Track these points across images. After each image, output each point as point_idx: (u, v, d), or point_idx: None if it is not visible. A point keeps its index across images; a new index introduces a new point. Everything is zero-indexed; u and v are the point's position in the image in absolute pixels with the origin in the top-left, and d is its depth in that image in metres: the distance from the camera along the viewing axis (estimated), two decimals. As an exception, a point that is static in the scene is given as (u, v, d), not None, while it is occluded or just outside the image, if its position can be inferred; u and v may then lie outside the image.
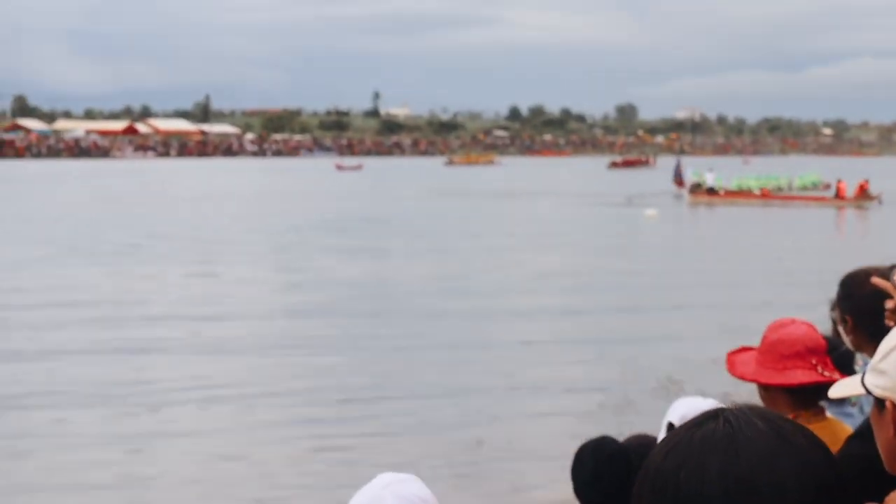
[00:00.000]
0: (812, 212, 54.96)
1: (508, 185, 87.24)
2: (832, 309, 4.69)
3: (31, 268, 30.65)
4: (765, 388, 3.82)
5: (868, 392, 2.03)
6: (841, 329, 4.34)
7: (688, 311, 23.28)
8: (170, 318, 22.17)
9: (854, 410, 4.37)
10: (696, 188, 63.08)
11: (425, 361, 18.37)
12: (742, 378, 3.82)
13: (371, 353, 19.06)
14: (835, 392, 2.42)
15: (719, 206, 58.93)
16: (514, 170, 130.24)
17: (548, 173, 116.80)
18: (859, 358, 4.18)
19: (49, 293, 25.46)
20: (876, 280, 3.38)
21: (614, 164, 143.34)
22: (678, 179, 65.65)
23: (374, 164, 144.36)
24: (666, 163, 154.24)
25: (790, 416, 2.74)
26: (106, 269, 30.43)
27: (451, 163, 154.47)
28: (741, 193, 64.04)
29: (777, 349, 3.75)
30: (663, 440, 1.43)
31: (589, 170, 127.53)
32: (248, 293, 26.30)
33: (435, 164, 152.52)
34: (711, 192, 62.55)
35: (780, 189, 70.03)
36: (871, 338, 3.75)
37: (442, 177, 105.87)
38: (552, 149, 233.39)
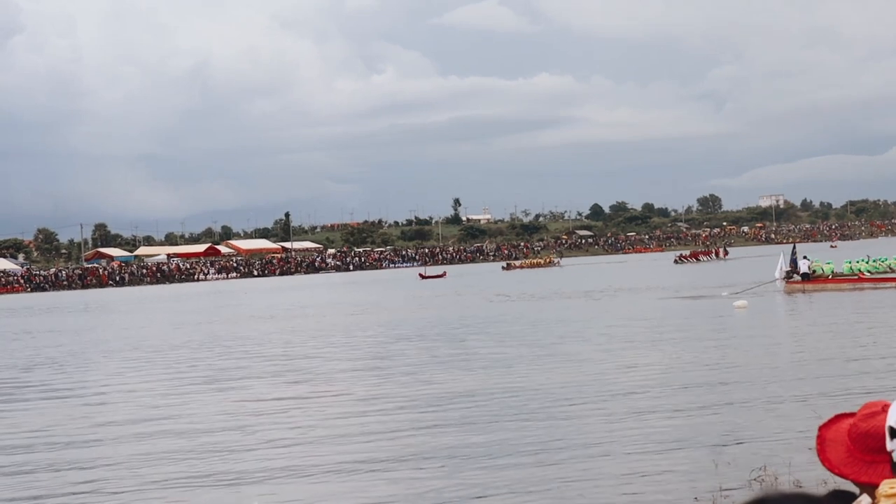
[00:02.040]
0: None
1: (588, 283, 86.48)
2: None
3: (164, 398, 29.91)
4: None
5: None
6: None
7: (781, 402, 22.02)
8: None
9: None
10: (790, 276, 61.17)
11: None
12: (830, 470, 3.51)
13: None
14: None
15: (814, 293, 56.82)
16: (581, 269, 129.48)
17: (628, 271, 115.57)
18: None
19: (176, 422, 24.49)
20: None
21: (682, 258, 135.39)
22: (793, 267, 63.48)
23: (457, 271, 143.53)
24: (741, 252, 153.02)
25: None
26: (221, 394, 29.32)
27: (509, 267, 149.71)
28: (832, 279, 61.90)
29: (867, 442, 3.46)
30: None
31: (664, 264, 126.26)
32: (378, 409, 24.89)
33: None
34: (805, 278, 60.52)
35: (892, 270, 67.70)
36: None
37: (522, 280, 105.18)
38: (637, 245, 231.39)
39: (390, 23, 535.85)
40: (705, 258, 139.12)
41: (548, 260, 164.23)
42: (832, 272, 63.29)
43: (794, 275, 61.40)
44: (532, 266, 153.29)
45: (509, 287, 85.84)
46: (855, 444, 3.48)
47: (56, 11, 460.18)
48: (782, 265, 62.13)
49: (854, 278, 61.60)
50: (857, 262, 69.11)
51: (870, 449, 3.43)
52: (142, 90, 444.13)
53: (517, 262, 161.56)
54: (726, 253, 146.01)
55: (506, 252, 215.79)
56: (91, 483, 17.62)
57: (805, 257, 63.88)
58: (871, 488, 3.40)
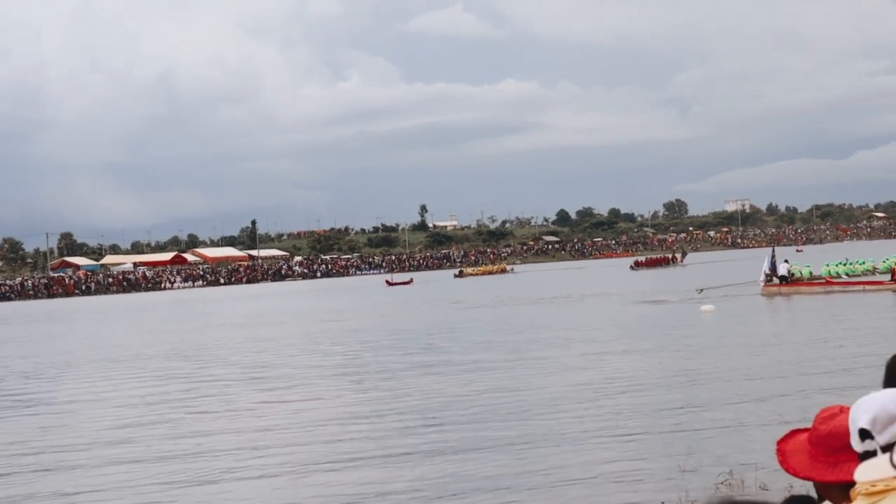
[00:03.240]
0: (875, 297, 52.99)
1: (550, 290, 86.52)
2: None
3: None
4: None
5: None
6: None
7: (747, 404, 22.16)
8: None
9: None
10: (769, 279, 61.39)
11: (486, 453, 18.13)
12: (795, 475, 3.62)
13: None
14: (861, 475, 2.56)
15: (791, 296, 57.14)
16: (536, 275, 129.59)
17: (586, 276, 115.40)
18: None
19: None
20: None
21: (637, 265, 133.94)
22: (772, 271, 63.62)
23: (424, 277, 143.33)
24: (703, 257, 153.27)
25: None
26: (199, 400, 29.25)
27: (461, 275, 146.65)
28: (808, 282, 62.10)
29: (828, 443, 3.57)
30: None
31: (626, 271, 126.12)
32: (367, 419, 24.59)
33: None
34: (783, 281, 60.77)
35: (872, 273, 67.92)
36: None
37: (485, 286, 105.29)
38: (605, 251, 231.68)
39: (356, 30, 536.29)
40: (662, 264, 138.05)
41: (501, 267, 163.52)
42: (810, 275, 63.57)
43: (774, 278, 61.59)
44: (485, 273, 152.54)
45: (473, 294, 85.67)
46: (817, 449, 3.56)
47: (20, 19, 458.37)
48: (768, 267, 62.25)
49: (833, 281, 61.93)
50: (836, 265, 69.56)
51: (832, 450, 3.50)
52: (107, 98, 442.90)
53: (470, 270, 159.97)
54: (683, 258, 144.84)
55: (472, 258, 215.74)
56: (64, 492, 17.48)
57: (786, 261, 64.04)
58: (836, 489, 3.48)
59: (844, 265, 70.55)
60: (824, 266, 68.75)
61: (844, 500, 3.46)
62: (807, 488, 4.44)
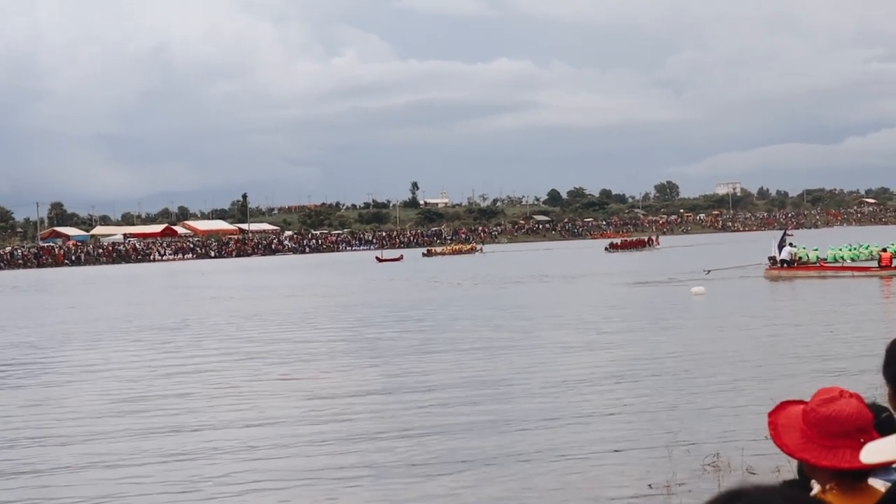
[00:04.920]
0: (864, 281, 53.10)
1: (546, 268, 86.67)
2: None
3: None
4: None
5: None
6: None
7: (735, 387, 22.10)
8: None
9: None
10: (774, 262, 61.22)
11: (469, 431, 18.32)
12: (788, 452, 3.66)
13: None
14: (868, 457, 2.57)
15: (792, 280, 57.02)
16: (506, 255, 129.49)
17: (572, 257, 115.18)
18: None
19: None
20: None
21: (613, 247, 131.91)
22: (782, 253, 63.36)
23: (414, 255, 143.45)
24: (688, 240, 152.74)
25: (828, 485, 3.52)
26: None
27: (429, 254, 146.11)
28: (809, 266, 61.87)
29: (826, 426, 3.59)
30: None
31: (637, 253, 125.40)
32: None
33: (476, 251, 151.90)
34: (785, 264, 60.55)
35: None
36: None
37: (472, 264, 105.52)
38: (594, 231, 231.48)
39: (350, 6, 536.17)
40: (637, 247, 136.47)
41: (471, 247, 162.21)
42: (817, 259, 63.43)
43: (782, 261, 61.33)
44: (454, 253, 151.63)
45: (458, 274, 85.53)
46: (812, 429, 3.57)
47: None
48: (777, 249, 62.04)
49: (827, 266, 61.64)
50: (840, 249, 69.51)
51: (830, 434, 3.52)
52: (101, 70, 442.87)
53: (439, 249, 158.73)
54: (658, 242, 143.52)
55: (463, 236, 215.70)
56: (60, 468, 17.36)
57: (791, 244, 63.70)
58: (824, 472, 3.53)
59: (850, 249, 70.53)
60: (829, 249, 68.77)
61: (830, 480, 3.54)
62: (793, 473, 4.33)
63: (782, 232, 68.05)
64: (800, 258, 62.41)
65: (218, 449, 17.82)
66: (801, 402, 3.76)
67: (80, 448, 18.43)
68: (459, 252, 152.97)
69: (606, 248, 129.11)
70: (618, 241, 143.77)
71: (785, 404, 3.74)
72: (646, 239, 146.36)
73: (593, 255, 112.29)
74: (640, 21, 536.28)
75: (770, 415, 3.70)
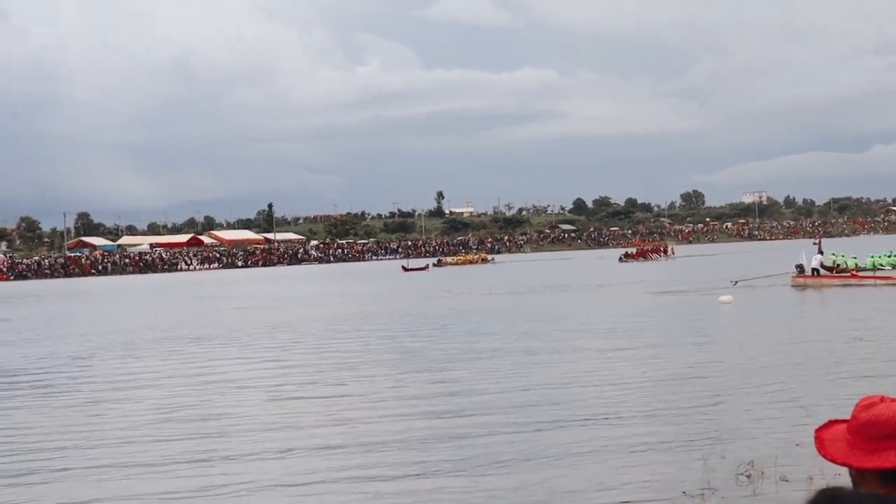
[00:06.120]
0: (893, 290, 52.76)
1: (570, 278, 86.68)
2: None
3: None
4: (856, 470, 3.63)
5: None
6: None
7: (768, 394, 22.08)
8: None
9: None
10: (803, 270, 60.98)
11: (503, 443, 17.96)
12: (833, 461, 3.63)
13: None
14: None
15: (816, 289, 56.72)
16: (521, 266, 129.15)
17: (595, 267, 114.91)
18: None
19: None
20: None
21: (627, 256, 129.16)
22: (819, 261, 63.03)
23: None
24: (684, 250, 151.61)
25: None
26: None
27: (440, 264, 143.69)
28: (836, 275, 61.37)
29: (868, 431, 3.58)
30: None
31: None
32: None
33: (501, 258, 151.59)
34: (815, 272, 60.24)
35: None
36: None
37: (487, 275, 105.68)
38: (620, 240, 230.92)
39: (374, 14, 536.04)
40: (653, 256, 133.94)
41: (481, 257, 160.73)
42: (856, 266, 63.02)
43: (819, 269, 61.04)
44: (464, 263, 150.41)
45: (484, 283, 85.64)
46: (855, 437, 3.57)
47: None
48: (805, 257, 61.75)
49: (857, 275, 61.12)
50: (879, 256, 69.01)
51: (871, 437, 3.52)
52: (125, 78, 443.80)
53: (449, 259, 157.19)
54: (673, 252, 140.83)
55: (489, 245, 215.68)
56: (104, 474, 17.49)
57: (820, 252, 63.21)
58: (872, 476, 3.50)
59: (889, 256, 69.97)
60: (869, 257, 68.43)
61: (881, 488, 3.48)
62: (826, 482, 4.40)
63: (814, 241, 67.62)
64: (837, 265, 62.07)
65: (250, 454, 17.98)
66: (847, 420, 3.75)
67: (114, 452, 18.60)
68: (471, 262, 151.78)
69: (621, 259, 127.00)
70: (632, 250, 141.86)
71: (832, 422, 3.77)
72: (661, 248, 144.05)
73: (610, 265, 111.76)
74: (662, 30, 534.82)
75: (817, 431, 3.74)
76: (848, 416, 3.70)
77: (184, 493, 15.51)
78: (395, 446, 18.18)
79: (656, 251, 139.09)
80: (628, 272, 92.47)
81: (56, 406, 25.32)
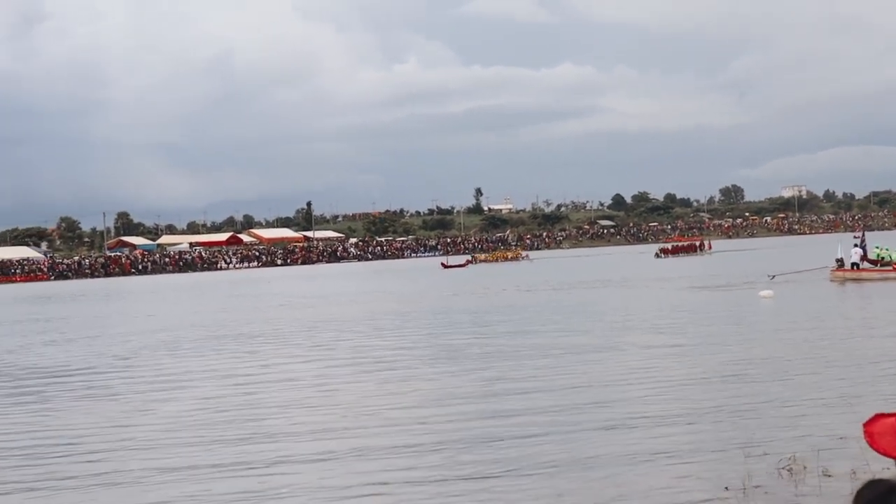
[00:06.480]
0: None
1: (604, 274, 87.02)
2: None
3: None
4: None
5: None
6: None
7: (809, 388, 22.05)
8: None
9: None
10: (840, 264, 60.75)
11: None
12: (886, 455, 3.68)
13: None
14: None
15: (856, 283, 56.71)
16: (555, 262, 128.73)
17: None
18: None
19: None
20: None
21: (663, 252, 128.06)
22: (861, 255, 62.69)
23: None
24: (723, 245, 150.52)
25: None
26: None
27: (473, 261, 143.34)
28: (876, 269, 60.77)
29: None
30: None
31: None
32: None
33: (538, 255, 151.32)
34: (854, 266, 59.98)
35: None
36: None
37: (523, 271, 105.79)
38: (659, 235, 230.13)
39: (413, 12, 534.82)
40: (689, 252, 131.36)
41: (516, 254, 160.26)
42: None
43: (863, 261, 60.85)
44: (499, 259, 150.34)
45: (523, 279, 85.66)
46: None
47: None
48: (843, 251, 61.41)
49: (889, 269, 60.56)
50: None
51: None
52: (164, 79, 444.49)
53: (482, 256, 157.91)
54: (710, 246, 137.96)
55: (528, 242, 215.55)
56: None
57: (862, 246, 62.70)
58: None
59: None
60: None
61: None
62: (871, 476, 4.46)
63: (855, 235, 67.14)
64: (882, 259, 61.63)
65: (292, 456, 18.06)
66: (894, 414, 3.81)
67: (160, 454, 18.75)
68: (505, 259, 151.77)
69: (657, 254, 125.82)
70: (668, 246, 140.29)
71: (879, 416, 3.79)
72: (697, 244, 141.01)
73: (646, 261, 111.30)
74: (702, 25, 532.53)
75: (865, 425, 3.80)
76: (894, 410, 3.73)
77: (233, 494, 15.57)
78: (437, 447, 18.19)
79: (692, 247, 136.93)
80: (665, 268, 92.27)
81: (101, 406, 25.47)
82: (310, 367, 31.37)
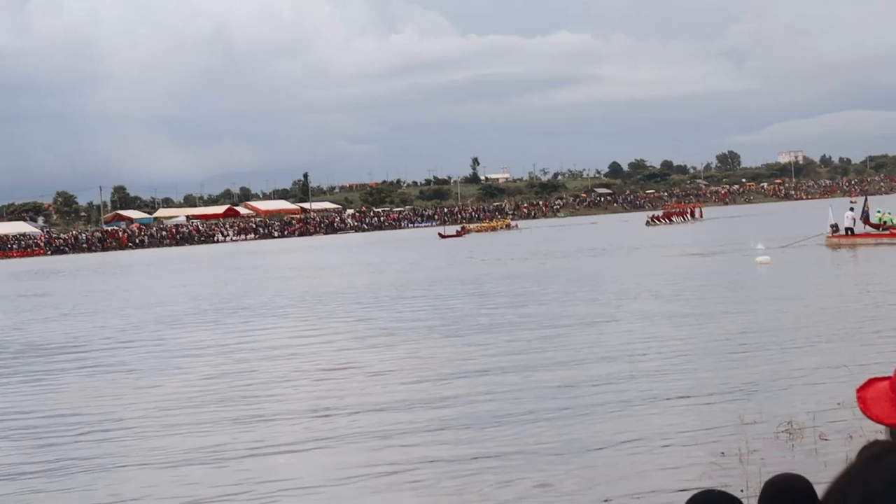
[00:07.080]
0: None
1: (606, 241, 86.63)
2: None
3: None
4: None
5: None
6: None
7: (805, 354, 22.07)
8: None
9: None
10: (835, 229, 60.83)
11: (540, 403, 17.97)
12: (878, 421, 3.60)
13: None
14: None
15: (850, 248, 56.73)
16: (546, 231, 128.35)
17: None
18: None
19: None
20: None
21: (654, 220, 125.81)
22: (864, 219, 62.75)
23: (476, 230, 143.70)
24: (719, 212, 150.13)
25: None
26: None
27: (463, 231, 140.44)
28: (870, 234, 60.87)
29: None
30: (838, 477, 1.32)
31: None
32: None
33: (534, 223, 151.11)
34: (849, 231, 60.03)
35: None
36: None
37: (516, 240, 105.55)
38: (656, 202, 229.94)
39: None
40: (679, 219, 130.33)
41: (505, 223, 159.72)
42: None
43: (862, 225, 61.10)
44: (489, 229, 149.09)
45: (519, 249, 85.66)
46: None
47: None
48: (833, 216, 61.44)
49: (884, 234, 60.64)
50: None
51: None
52: (160, 52, 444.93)
53: (472, 226, 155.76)
54: (702, 214, 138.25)
55: (525, 211, 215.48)
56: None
57: (851, 209, 62.71)
58: None
59: None
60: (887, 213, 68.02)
61: None
62: (867, 440, 4.55)
63: (852, 200, 67.38)
64: (884, 223, 61.69)
65: (295, 438, 18.14)
66: (888, 377, 3.79)
67: (161, 426, 18.86)
68: (494, 228, 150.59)
69: (647, 222, 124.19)
70: (658, 213, 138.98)
71: (873, 380, 3.78)
72: (687, 211, 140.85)
73: (637, 229, 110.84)
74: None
75: (859, 390, 3.75)
76: (889, 374, 3.77)
77: (233, 480, 15.66)
78: (434, 423, 18.32)
79: (682, 213, 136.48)
80: (656, 235, 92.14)
81: (100, 381, 25.56)
82: (308, 337, 31.40)
